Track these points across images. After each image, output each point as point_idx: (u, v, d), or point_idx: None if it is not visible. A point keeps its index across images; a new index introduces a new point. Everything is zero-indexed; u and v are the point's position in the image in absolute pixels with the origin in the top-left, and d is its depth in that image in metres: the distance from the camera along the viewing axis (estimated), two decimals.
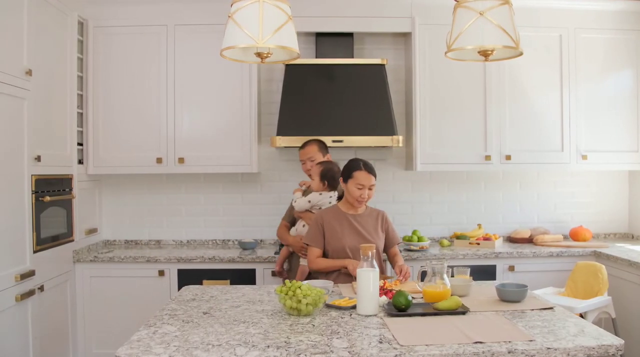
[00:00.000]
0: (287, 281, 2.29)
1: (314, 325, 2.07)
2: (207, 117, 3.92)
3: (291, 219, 3.38)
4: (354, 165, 2.94)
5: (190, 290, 2.69)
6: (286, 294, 2.18)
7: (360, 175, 2.89)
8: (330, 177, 3.18)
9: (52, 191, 3.31)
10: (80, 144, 3.85)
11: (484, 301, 2.39)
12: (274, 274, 3.62)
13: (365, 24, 4.00)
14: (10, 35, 2.90)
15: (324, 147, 3.41)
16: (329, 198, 3.19)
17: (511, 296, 2.37)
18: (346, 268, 2.82)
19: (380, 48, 4.30)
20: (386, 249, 3.06)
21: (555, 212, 4.39)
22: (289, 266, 3.44)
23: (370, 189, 2.92)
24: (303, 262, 3.14)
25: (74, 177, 3.65)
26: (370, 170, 2.91)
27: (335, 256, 2.91)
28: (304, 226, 3.22)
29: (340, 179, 2.99)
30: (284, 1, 2.21)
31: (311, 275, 3.01)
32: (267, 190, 4.29)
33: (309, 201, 3.19)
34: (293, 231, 3.31)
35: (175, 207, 4.27)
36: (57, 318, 3.39)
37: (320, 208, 3.17)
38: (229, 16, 2.18)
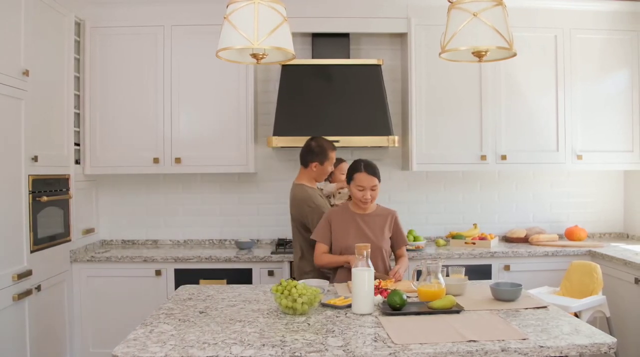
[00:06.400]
0: (282, 280, 2.30)
1: (309, 324, 2.08)
2: (204, 117, 3.93)
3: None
4: (354, 167, 2.94)
5: (187, 289, 2.70)
6: (282, 293, 2.20)
7: (360, 177, 2.88)
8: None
9: (49, 191, 3.32)
10: (77, 144, 3.85)
11: (479, 300, 2.41)
12: (269, 273, 3.64)
13: (361, 24, 4.02)
14: (8, 35, 2.90)
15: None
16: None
17: (505, 295, 2.39)
18: (349, 263, 2.81)
19: (376, 48, 4.31)
20: (393, 250, 3.05)
21: (550, 212, 4.41)
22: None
23: (372, 190, 2.89)
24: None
25: (71, 177, 3.66)
26: (371, 171, 2.88)
27: (340, 254, 2.92)
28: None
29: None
30: (279, 2, 2.22)
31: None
32: (264, 190, 4.30)
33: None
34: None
35: (172, 207, 4.27)
36: (54, 318, 3.40)
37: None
38: (225, 17, 2.20)
